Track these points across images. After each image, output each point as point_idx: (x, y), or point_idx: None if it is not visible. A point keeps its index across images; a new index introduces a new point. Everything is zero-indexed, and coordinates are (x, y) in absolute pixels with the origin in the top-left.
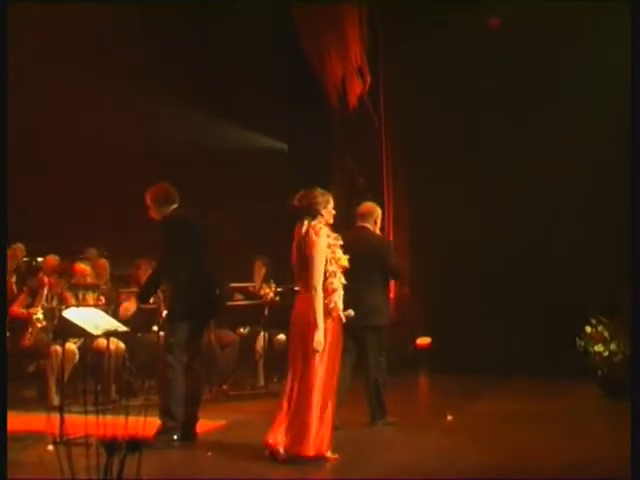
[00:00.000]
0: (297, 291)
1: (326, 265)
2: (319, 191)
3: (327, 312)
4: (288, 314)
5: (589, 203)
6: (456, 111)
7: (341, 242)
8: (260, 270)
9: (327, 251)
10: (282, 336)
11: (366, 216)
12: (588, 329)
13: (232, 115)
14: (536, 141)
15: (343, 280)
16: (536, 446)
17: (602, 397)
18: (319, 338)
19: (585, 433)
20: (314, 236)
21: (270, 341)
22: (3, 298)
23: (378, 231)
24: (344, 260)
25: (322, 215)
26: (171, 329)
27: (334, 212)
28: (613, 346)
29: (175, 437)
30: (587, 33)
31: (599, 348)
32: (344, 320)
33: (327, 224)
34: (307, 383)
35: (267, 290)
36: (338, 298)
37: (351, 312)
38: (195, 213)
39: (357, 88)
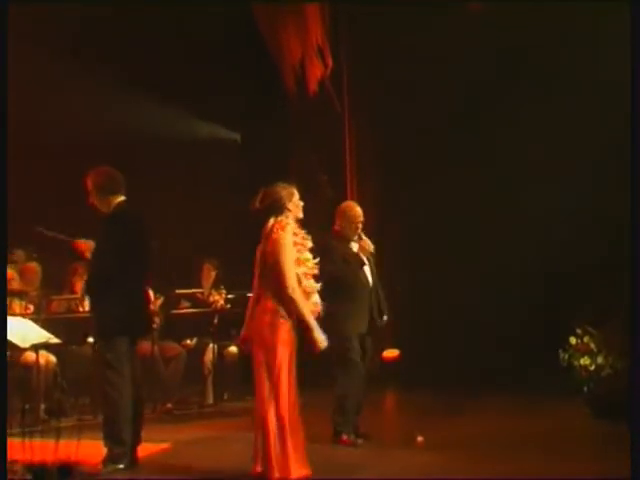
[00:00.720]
0: (252, 298)
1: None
2: (280, 185)
3: (293, 319)
4: (240, 323)
5: (576, 206)
6: (430, 97)
7: (310, 244)
8: (209, 274)
9: (293, 249)
10: (233, 348)
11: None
12: (573, 340)
13: (178, 101)
14: (523, 136)
15: (312, 286)
16: (517, 471)
17: (588, 416)
18: (318, 336)
19: (571, 457)
20: (280, 231)
21: (220, 354)
22: (3, 297)
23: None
24: (310, 263)
25: (289, 209)
26: (107, 344)
27: (302, 203)
28: (600, 359)
29: (122, 465)
30: (581, 33)
31: (585, 361)
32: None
33: (296, 219)
34: (277, 403)
35: (217, 297)
36: (318, 300)
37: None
38: (140, 210)
39: (317, 71)
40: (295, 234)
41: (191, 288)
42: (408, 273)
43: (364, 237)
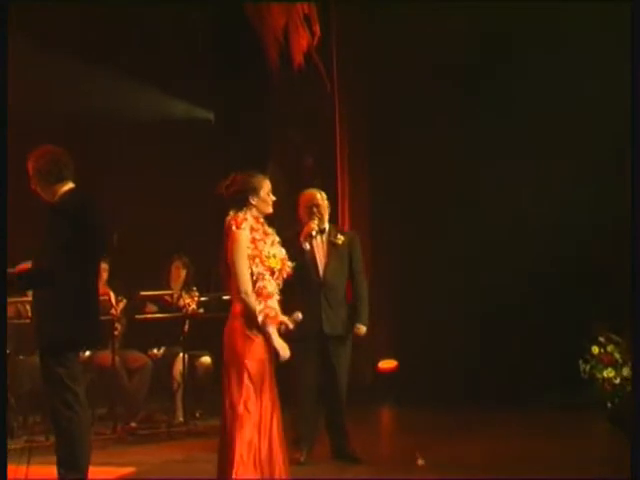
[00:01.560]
0: (228, 301)
1: (250, 265)
2: (250, 174)
3: (263, 323)
4: (214, 330)
5: (590, 208)
6: (430, 72)
7: (276, 238)
8: (179, 274)
9: (250, 247)
10: (206, 359)
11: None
12: (595, 350)
13: (140, 74)
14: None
15: (274, 287)
16: None
17: (612, 435)
18: (277, 345)
19: None
20: (234, 228)
21: (192, 365)
22: (3, 296)
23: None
24: (274, 261)
25: (252, 204)
26: (57, 357)
27: (273, 198)
28: (626, 371)
29: None
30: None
31: (609, 374)
32: (291, 326)
33: (262, 214)
34: (245, 421)
35: (188, 300)
36: (276, 303)
37: (299, 315)
38: (93, 199)
39: (303, 41)
40: (254, 229)
41: (158, 289)
42: (407, 276)
43: (329, 228)
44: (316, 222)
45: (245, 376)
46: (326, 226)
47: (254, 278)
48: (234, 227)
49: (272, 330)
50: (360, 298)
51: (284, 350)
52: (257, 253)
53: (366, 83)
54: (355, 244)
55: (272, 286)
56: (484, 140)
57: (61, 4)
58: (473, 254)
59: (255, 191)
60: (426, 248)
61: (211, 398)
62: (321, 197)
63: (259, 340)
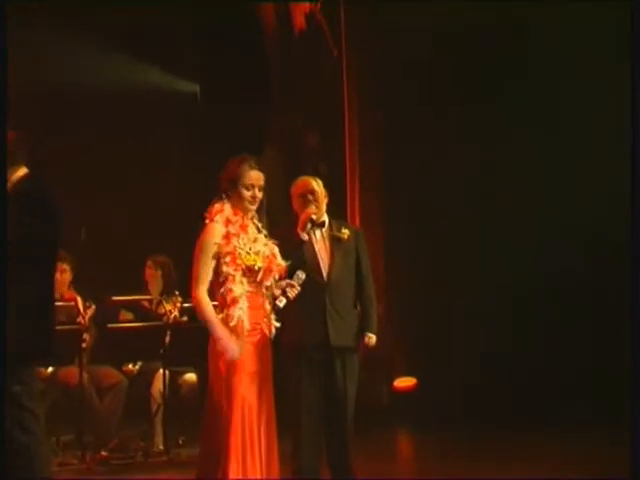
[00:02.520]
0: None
1: (220, 265)
2: (238, 159)
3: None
4: (200, 342)
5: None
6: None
7: (262, 232)
8: (155, 275)
9: (219, 243)
10: (191, 376)
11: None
12: None
13: (119, 42)
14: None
15: (247, 286)
16: None
17: None
18: (226, 345)
19: None
20: (206, 220)
21: (174, 383)
22: (3, 296)
23: None
24: (252, 258)
25: (228, 196)
26: (14, 372)
27: (258, 195)
28: None
29: None
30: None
31: None
32: (297, 288)
33: (241, 208)
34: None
35: (169, 306)
36: (241, 312)
37: (302, 275)
38: (48, 187)
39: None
40: (230, 222)
41: (135, 294)
42: (425, 281)
43: (330, 221)
44: (314, 208)
45: (231, 398)
46: (325, 219)
47: (221, 279)
48: (207, 219)
49: (218, 332)
50: (369, 302)
51: (233, 352)
52: (230, 250)
53: (380, 49)
54: (361, 240)
55: (240, 290)
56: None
57: None
58: (502, 258)
59: (232, 182)
60: (448, 250)
61: (196, 422)
62: (317, 184)
63: (246, 354)
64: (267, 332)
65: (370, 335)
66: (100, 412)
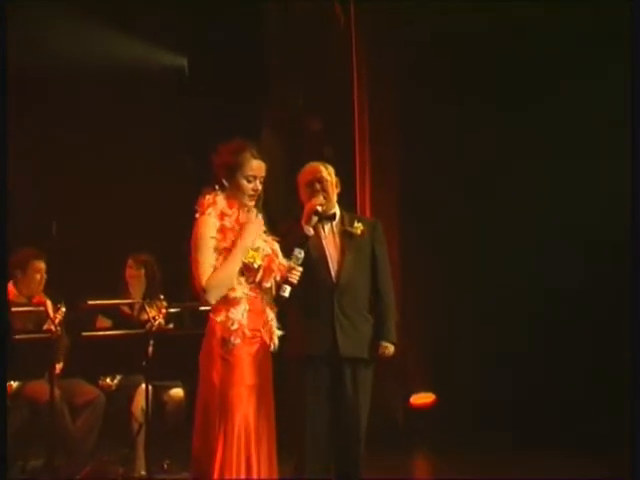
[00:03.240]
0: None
1: (216, 262)
2: (234, 145)
3: (226, 338)
4: (188, 352)
5: None
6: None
7: (262, 227)
8: (137, 276)
9: (215, 237)
10: (177, 391)
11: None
12: None
13: (91, 13)
14: None
15: (246, 289)
16: None
17: None
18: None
19: None
20: (199, 214)
21: (158, 399)
22: (3, 296)
23: None
24: (249, 255)
25: (223, 186)
26: None
27: (258, 187)
28: None
29: None
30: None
31: None
32: (273, 342)
33: (238, 201)
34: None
35: (152, 312)
36: (241, 317)
37: (300, 252)
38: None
39: None
40: (225, 215)
41: (114, 298)
42: (446, 285)
43: (342, 214)
44: (321, 199)
45: (227, 416)
46: (336, 210)
47: None
48: (198, 213)
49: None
50: (386, 306)
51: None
52: (226, 246)
53: (397, 14)
54: (378, 235)
55: (240, 290)
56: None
57: None
58: (530, 260)
59: (230, 171)
60: (470, 249)
61: (183, 444)
62: (327, 171)
63: (244, 364)
64: (267, 341)
65: (386, 345)
66: (73, 433)
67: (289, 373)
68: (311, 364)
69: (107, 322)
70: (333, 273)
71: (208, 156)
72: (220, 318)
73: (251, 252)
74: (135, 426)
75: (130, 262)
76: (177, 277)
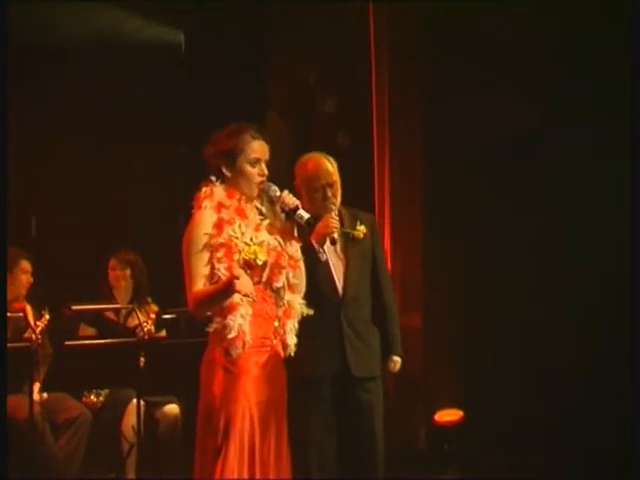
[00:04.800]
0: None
1: (213, 262)
2: (230, 129)
3: (225, 348)
4: (185, 363)
5: None
6: None
7: (253, 218)
8: (123, 277)
9: (210, 233)
10: (172, 407)
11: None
12: None
13: None
14: None
15: (251, 294)
16: None
17: None
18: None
19: None
20: (195, 209)
21: (151, 416)
22: (3, 297)
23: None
24: (250, 250)
25: (221, 176)
26: None
27: (264, 172)
28: None
29: None
30: None
31: None
32: (286, 351)
33: (240, 190)
34: None
35: (142, 317)
36: (242, 322)
37: (304, 213)
38: None
39: None
40: (223, 206)
41: (98, 302)
42: (475, 290)
43: (332, 207)
44: (336, 222)
45: (229, 437)
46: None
47: (214, 280)
48: (195, 207)
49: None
50: (393, 317)
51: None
52: (224, 241)
53: None
54: (377, 235)
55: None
56: None
57: None
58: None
59: (230, 158)
60: (504, 250)
61: (179, 466)
62: (334, 170)
63: (248, 377)
64: (281, 351)
65: (397, 359)
66: (56, 454)
67: (294, 397)
68: (316, 387)
69: (90, 330)
70: (339, 285)
71: (204, 143)
72: (215, 326)
73: (253, 247)
74: (125, 447)
75: (113, 263)
76: (171, 279)
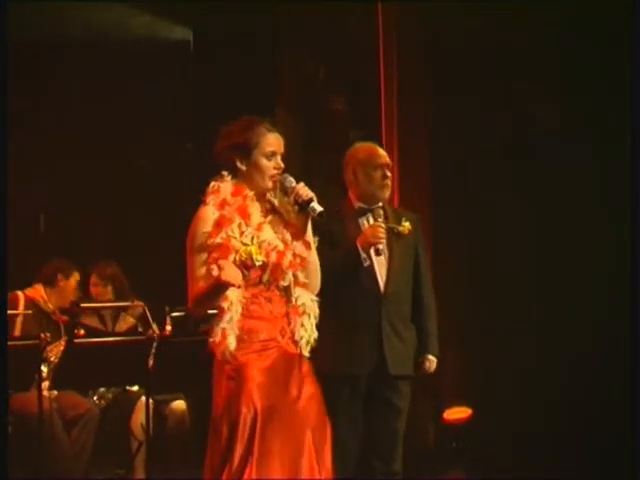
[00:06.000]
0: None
1: (209, 262)
2: (243, 122)
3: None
4: (193, 360)
5: None
6: None
7: (258, 217)
8: (104, 294)
9: (209, 232)
10: (180, 403)
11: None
12: None
13: None
14: None
15: (238, 294)
16: None
17: None
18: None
19: None
20: (201, 204)
21: (159, 413)
22: (3, 297)
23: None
24: (246, 250)
25: (239, 169)
26: None
27: (280, 165)
28: None
29: None
30: None
31: None
32: (300, 348)
33: (253, 185)
34: None
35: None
36: (226, 324)
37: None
38: None
39: None
40: (226, 203)
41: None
42: (483, 285)
43: (380, 212)
44: (383, 233)
45: (233, 445)
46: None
47: (210, 281)
48: (202, 204)
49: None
50: (432, 316)
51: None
52: (221, 241)
53: None
54: (420, 233)
55: (233, 295)
56: None
57: None
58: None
59: (244, 151)
60: (514, 251)
61: (188, 462)
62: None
63: (251, 383)
64: (292, 349)
65: (433, 359)
66: (67, 451)
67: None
68: (350, 384)
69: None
70: (381, 281)
71: (212, 139)
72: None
73: (249, 247)
74: (134, 444)
75: (94, 279)
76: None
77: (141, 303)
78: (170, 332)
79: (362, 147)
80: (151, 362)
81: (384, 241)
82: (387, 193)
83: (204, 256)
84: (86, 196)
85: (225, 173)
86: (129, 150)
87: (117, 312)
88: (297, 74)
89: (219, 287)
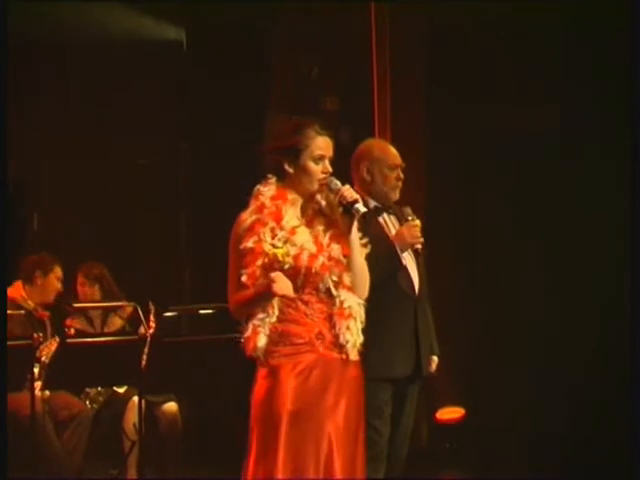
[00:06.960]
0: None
1: (241, 266)
2: (291, 124)
3: (265, 359)
4: (187, 361)
5: None
6: None
7: (290, 220)
8: (90, 294)
9: (242, 235)
10: (171, 405)
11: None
12: None
13: None
14: None
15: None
16: None
17: None
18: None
19: None
20: (243, 212)
21: (151, 414)
22: (3, 297)
23: None
24: (276, 252)
25: (287, 172)
26: None
27: (328, 169)
28: None
29: None
30: None
31: None
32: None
33: (300, 190)
34: None
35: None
36: (259, 322)
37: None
38: None
39: None
40: (264, 207)
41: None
42: (479, 281)
43: (409, 211)
44: (418, 224)
45: (270, 439)
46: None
47: (242, 284)
48: (245, 210)
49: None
50: (432, 315)
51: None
52: (252, 245)
53: None
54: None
55: (274, 299)
56: None
57: None
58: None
59: (293, 154)
60: (508, 254)
61: (181, 463)
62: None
63: (285, 386)
64: (332, 353)
65: (435, 358)
66: (60, 451)
67: None
68: (389, 387)
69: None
70: (416, 284)
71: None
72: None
73: (278, 250)
74: (126, 443)
75: (81, 279)
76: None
77: (132, 303)
78: (155, 330)
79: (376, 144)
80: (144, 362)
81: (422, 240)
82: (398, 194)
83: (240, 260)
84: (79, 195)
85: (270, 176)
86: (126, 149)
87: (106, 313)
88: (290, 75)
89: (267, 296)
